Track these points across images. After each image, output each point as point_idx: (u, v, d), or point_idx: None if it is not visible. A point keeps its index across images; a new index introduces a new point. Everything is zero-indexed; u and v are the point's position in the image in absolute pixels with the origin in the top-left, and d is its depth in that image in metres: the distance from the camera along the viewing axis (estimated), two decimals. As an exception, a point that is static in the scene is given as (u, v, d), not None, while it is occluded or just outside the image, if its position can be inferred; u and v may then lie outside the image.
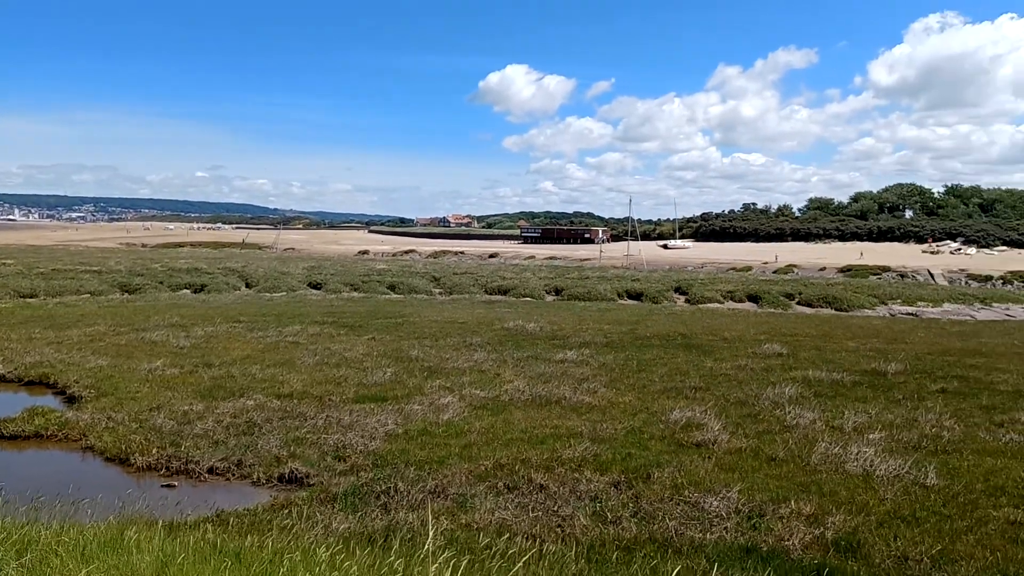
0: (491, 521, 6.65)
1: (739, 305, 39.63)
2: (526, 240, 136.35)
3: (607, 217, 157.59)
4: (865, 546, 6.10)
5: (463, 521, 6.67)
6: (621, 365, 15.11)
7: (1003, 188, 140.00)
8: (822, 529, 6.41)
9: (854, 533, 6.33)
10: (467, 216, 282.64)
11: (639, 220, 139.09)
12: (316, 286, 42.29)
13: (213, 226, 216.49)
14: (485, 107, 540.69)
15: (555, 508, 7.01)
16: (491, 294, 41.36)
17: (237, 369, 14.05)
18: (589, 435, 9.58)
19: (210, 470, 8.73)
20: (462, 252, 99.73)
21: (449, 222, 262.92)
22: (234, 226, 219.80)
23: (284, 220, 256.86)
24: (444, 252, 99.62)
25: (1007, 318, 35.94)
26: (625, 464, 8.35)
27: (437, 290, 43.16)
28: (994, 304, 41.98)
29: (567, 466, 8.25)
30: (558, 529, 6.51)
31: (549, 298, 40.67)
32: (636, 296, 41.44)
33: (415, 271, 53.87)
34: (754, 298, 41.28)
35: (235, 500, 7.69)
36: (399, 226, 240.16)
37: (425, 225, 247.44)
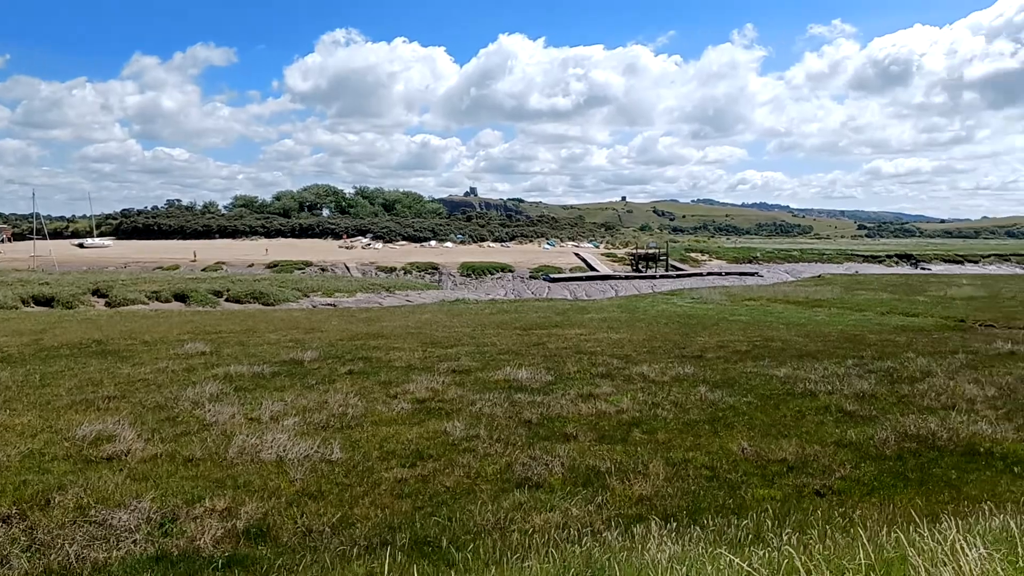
0: None
1: (165, 305, 38.27)
2: None
3: (8, 213, 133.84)
4: (274, 528, 6.48)
5: None
6: (20, 382, 13.15)
7: (401, 190, 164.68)
8: (235, 521, 6.59)
9: (264, 518, 6.67)
10: None
11: (48, 217, 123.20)
12: None
13: None
14: None
15: (-86, 566, 5.78)
16: None
17: None
18: (-31, 469, 8.12)
19: None
20: None
21: None
22: None
23: None
24: None
25: (406, 303, 41.97)
26: (19, 494, 7.31)
27: None
28: (396, 291, 48.59)
29: (-66, 511, 6.86)
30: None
31: (-80, 309, 33.16)
32: (46, 302, 37.08)
33: None
34: (181, 297, 40.40)
35: None
36: None
37: None
